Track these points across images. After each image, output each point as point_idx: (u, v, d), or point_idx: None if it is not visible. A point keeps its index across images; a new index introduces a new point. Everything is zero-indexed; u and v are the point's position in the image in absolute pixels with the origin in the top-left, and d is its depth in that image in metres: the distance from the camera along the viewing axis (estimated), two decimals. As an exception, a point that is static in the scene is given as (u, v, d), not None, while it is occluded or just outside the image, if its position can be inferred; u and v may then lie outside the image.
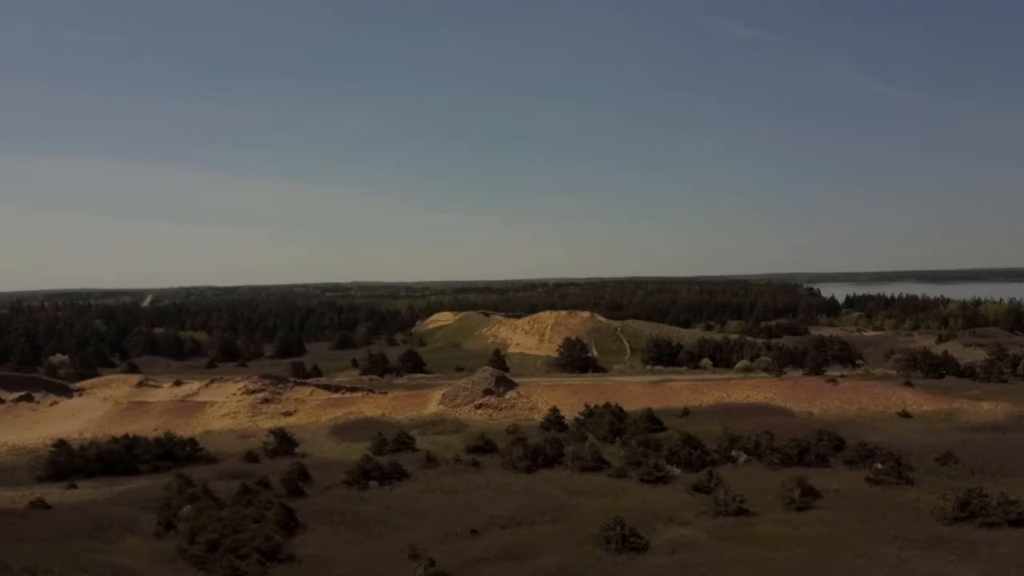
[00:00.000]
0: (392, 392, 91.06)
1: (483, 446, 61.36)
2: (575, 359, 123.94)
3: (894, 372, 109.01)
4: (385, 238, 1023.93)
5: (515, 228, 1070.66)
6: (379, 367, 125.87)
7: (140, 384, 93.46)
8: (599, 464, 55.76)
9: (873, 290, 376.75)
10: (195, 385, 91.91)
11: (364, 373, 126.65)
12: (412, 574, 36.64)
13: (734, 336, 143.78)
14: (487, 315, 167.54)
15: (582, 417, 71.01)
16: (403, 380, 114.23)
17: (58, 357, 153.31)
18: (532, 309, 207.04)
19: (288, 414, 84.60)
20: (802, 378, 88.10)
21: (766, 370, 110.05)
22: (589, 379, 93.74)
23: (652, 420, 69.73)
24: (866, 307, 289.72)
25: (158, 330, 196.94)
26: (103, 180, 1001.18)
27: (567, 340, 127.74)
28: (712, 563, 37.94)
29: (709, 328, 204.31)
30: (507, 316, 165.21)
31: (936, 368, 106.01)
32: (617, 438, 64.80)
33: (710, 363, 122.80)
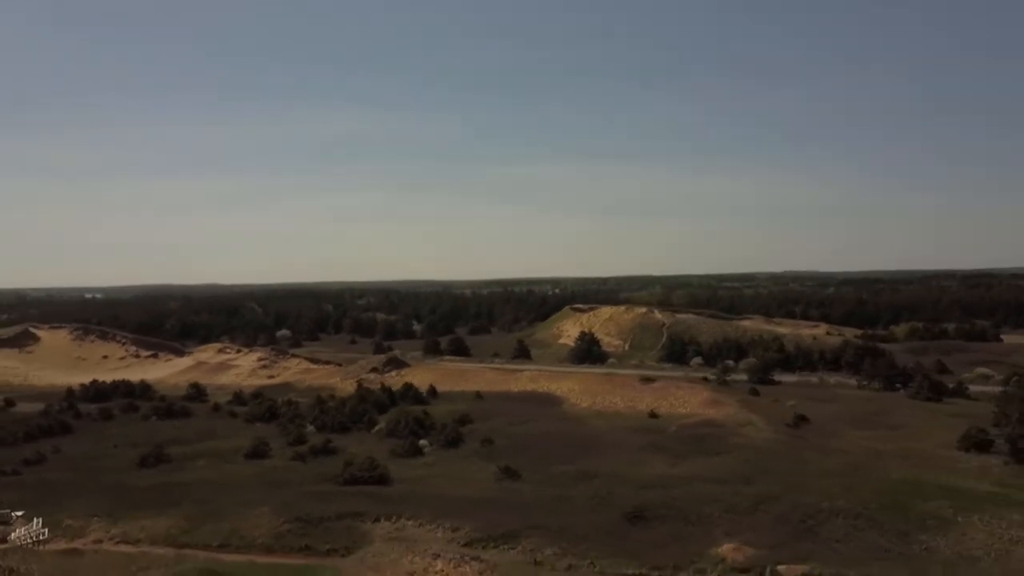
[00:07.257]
0: (348, 367, 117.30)
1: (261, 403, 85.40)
2: (581, 351, 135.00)
3: (853, 380, 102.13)
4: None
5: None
6: (432, 351, 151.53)
7: (219, 351, 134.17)
8: (295, 423, 76.08)
9: None
10: (239, 352, 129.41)
11: (425, 355, 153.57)
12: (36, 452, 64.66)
13: (769, 337, 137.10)
14: (574, 309, 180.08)
15: (379, 390, 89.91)
16: (433, 361, 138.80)
17: (283, 331, 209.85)
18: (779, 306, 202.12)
19: (272, 377, 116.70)
20: (618, 376, 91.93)
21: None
22: (466, 365, 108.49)
23: (418, 399, 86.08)
24: None
25: (365, 314, 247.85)
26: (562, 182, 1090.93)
27: (581, 334, 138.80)
28: (170, 484, 58.73)
29: (870, 328, 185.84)
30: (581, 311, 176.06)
31: (892, 380, 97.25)
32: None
33: (700, 361, 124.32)
